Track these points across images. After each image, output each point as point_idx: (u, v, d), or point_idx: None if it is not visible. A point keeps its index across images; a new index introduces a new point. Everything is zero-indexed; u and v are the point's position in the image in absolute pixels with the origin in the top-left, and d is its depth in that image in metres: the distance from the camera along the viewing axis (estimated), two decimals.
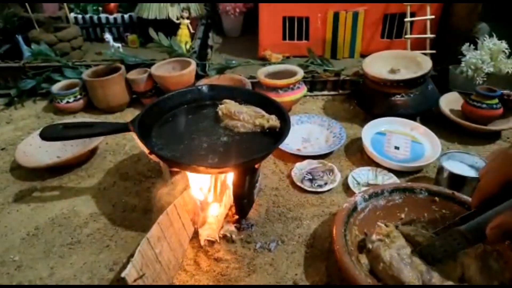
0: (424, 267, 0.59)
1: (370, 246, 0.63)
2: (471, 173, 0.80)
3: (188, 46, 1.37)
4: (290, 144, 0.99)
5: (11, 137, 1.11)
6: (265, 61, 1.40)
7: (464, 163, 0.82)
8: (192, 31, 1.54)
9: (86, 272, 0.68)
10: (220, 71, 1.27)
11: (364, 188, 0.84)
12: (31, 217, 0.81)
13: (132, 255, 0.55)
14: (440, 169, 0.81)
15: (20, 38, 1.46)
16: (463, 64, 1.15)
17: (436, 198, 0.71)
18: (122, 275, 0.53)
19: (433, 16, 1.30)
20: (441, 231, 0.61)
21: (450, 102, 1.11)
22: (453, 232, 0.57)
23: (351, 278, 0.57)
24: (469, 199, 0.68)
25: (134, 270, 0.55)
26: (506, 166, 0.46)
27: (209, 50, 1.48)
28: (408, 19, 1.31)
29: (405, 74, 1.06)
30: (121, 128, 0.71)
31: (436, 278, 0.58)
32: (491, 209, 0.51)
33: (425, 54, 1.21)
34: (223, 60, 1.38)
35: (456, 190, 0.71)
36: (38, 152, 0.96)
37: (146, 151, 0.69)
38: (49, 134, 0.71)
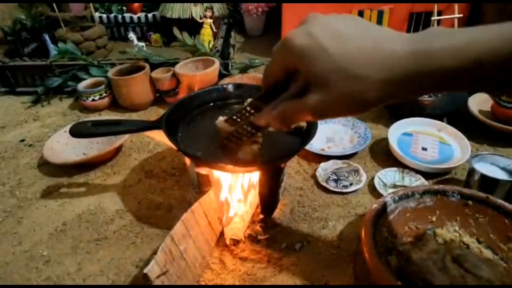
0: (457, 271, 0.57)
1: (400, 248, 0.62)
2: (503, 175, 0.77)
3: (211, 45, 1.37)
4: (314, 144, 0.98)
5: (38, 133, 1.13)
6: None
7: (496, 165, 0.80)
8: (215, 30, 1.55)
9: (112, 268, 0.69)
10: (243, 70, 1.27)
11: (390, 190, 0.83)
12: (59, 212, 0.83)
13: (156, 252, 0.55)
14: (471, 171, 0.79)
15: (47, 37, 1.49)
16: None
17: (470, 202, 0.68)
18: (145, 271, 0.53)
19: (461, 15, 1.27)
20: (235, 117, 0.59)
21: (478, 103, 1.08)
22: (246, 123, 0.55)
23: (381, 280, 0.56)
24: (504, 203, 0.66)
25: (157, 266, 0.55)
26: (286, 55, 0.41)
27: (231, 49, 1.49)
28: (435, 17, 1.28)
29: None
30: (149, 126, 0.71)
31: (469, 283, 0.56)
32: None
33: None
34: (245, 59, 1.38)
35: (488, 193, 0.69)
36: (65, 149, 0.98)
37: (175, 148, 0.69)
38: (78, 131, 0.71)
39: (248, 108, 0.54)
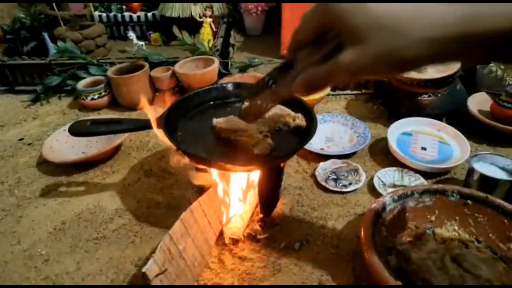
0: (456, 271, 0.57)
1: (400, 248, 0.62)
2: (503, 175, 0.77)
3: (210, 44, 1.37)
4: (313, 143, 0.98)
5: (37, 132, 1.13)
6: None
7: (495, 165, 0.80)
8: (214, 29, 1.54)
9: (112, 267, 0.69)
10: (243, 69, 1.27)
11: (390, 189, 0.83)
12: (58, 211, 0.82)
13: (154, 251, 0.55)
14: (470, 171, 0.79)
15: (46, 35, 1.49)
16: (491, 63, 1.12)
17: (469, 201, 0.68)
18: (143, 270, 0.53)
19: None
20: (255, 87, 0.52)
21: (478, 102, 1.08)
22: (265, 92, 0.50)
23: (380, 280, 0.56)
24: (503, 203, 0.66)
25: (155, 265, 0.55)
26: (322, 9, 0.39)
27: (231, 49, 1.48)
28: None
29: (433, 73, 1.04)
30: (148, 125, 0.71)
31: (469, 282, 0.56)
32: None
33: None
34: (245, 58, 1.38)
35: (488, 193, 0.69)
36: (64, 147, 0.98)
37: (173, 147, 0.69)
38: (78, 130, 0.71)
39: (266, 79, 0.50)
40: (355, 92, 1.28)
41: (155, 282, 0.55)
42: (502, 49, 0.35)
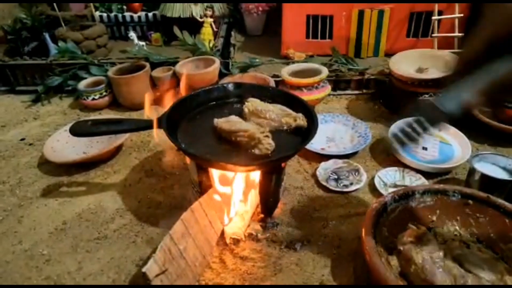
0: (458, 271, 0.57)
1: (401, 248, 0.62)
2: (504, 175, 0.77)
3: (211, 45, 1.37)
4: (314, 143, 0.97)
5: (38, 132, 1.13)
6: (288, 59, 1.39)
7: (496, 165, 0.80)
8: (215, 29, 1.54)
9: (113, 267, 0.69)
10: (243, 69, 1.27)
11: (391, 189, 0.83)
12: (59, 211, 0.82)
13: (155, 251, 0.55)
14: (472, 171, 0.78)
15: (47, 35, 1.49)
16: None
17: (470, 201, 0.68)
18: (143, 270, 0.53)
19: (461, 15, 1.27)
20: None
21: None
22: (426, 105, 0.48)
23: (381, 280, 0.55)
24: (505, 203, 0.66)
25: (155, 265, 0.55)
26: (501, 19, 0.37)
27: (231, 49, 1.48)
28: (435, 17, 1.28)
29: (434, 73, 1.03)
30: (149, 125, 0.71)
31: (470, 282, 0.56)
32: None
33: (454, 53, 1.18)
34: (246, 58, 1.38)
35: (489, 193, 0.69)
36: (65, 148, 0.98)
37: (174, 147, 0.69)
38: (79, 130, 0.71)
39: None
40: (356, 92, 1.28)
41: (156, 282, 0.55)
42: None
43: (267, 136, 0.67)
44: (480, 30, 0.39)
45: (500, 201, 0.66)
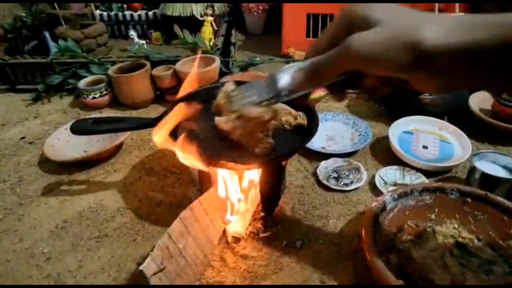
0: (457, 269, 0.58)
1: (400, 246, 0.62)
2: (504, 174, 0.77)
3: (211, 43, 1.37)
4: (314, 142, 0.98)
5: (38, 131, 1.13)
6: (288, 58, 1.39)
7: (497, 163, 0.80)
8: (215, 28, 1.54)
9: (113, 266, 0.69)
10: (244, 68, 1.27)
11: (391, 188, 0.83)
12: (59, 210, 0.83)
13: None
14: (472, 170, 0.79)
15: (47, 34, 1.49)
16: None
17: (468, 199, 0.68)
18: (140, 268, 0.53)
19: (462, 13, 1.26)
20: None
21: (479, 101, 1.08)
22: (268, 76, 0.46)
23: (381, 279, 0.56)
24: (503, 200, 0.67)
25: (153, 263, 0.55)
26: (346, 10, 0.38)
27: (232, 47, 1.48)
28: None
29: None
30: (150, 123, 0.71)
31: (470, 280, 0.56)
32: None
33: None
34: (246, 57, 1.38)
35: (489, 191, 0.69)
36: (66, 146, 0.98)
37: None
38: (79, 128, 0.71)
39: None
40: (356, 91, 1.28)
41: (154, 280, 0.55)
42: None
43: (267, 135, 0.67)
44: (331, 24, 0.40)
45: (499, 199, 0.67)
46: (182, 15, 1.54)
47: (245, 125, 0.57)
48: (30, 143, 1.07)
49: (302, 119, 0.72)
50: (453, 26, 0.33)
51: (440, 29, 0.33)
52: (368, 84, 0.43)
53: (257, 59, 1.30)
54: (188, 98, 0.80)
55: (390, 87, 0.44)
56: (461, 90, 0.37)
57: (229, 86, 0.55)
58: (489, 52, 0.32)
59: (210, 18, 1.52)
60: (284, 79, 0.43)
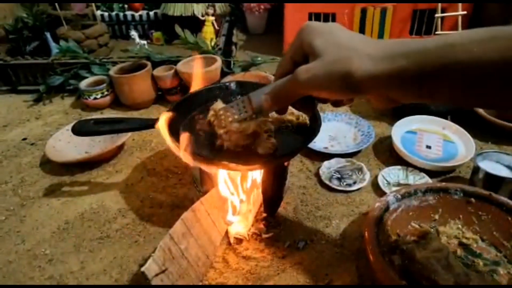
0: (461, 269, 0.57)
1: (404, 247, 0.61)
2: (508, 173, 0.77)
3: (213, 43, 1.37)
4: (317, 142, 0.97)
5: (40, 132, 1.13)
6: None
7: (501, 163, 0.79)
8: (217, 28, 1.54)
9: (115, 267, 0.69)
10: (245, 68, 1.27)
11: (394, 188, 0.82)
12: (61, 211, 0.82)
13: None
14: (476, 169, 0.78)
15: (48, 35, 1.49)
16: None
17: (472, 199, 0.68)
18: (142, 269, 0.53)
19: (465, 12, 1.26)
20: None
21: None
22: (244, 97, 0.54)
23: (385, 279, 0.55)
24: (507, 200, 0.66)
25: (154, 265, 0.55)
26: (298, 36, 0.45)
27: (233, 47, 1.48)
28: (439, 14, 1.28)
29: None
30: (152, 124, 0.71)
31: (474, 281, 0.56)
32: None
33: None
34: (248, 57, 1.38)
35: (493, 191, 0.68)
36: (67, 147, 0.98)
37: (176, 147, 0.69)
38: (81, 129, 0.71)
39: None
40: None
41: (156, 281, 0.54)
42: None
43: (269, 135, 0.67)
44: (290, 46, 0.46)
45: (503, 198, 0.66)
46: (183, 15, 1.54)
47: (232, 138, 0.62)
48: (32, 144, 1.07)
49: (304, 119, 0.72)
50: (380, 54, 0.39)
51: (367, 61, 0.39)
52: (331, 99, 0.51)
53: (259, 59, 1.30)
54: (188, 99, 0.80)
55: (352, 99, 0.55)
56: (408, 103, 0.42)
57: (218, 104, 0.63)
58: (410, 75, 0.37)
59: (212, 18, 1.51)
60: (257, 101, 0.51)
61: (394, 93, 0.40)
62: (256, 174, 0.74)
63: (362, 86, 0.39)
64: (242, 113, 0.55)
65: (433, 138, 0.96)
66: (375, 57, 0.39)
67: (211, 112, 0.62)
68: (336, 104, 0.53)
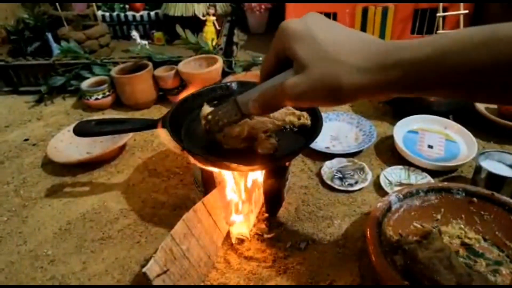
0: (464, 269, 0.57)
1: (406, 247, 0.61)
2: (510, 173, 0.76)
3: (214, 43, 1.37)
4: (318, 142, 0.97)
5: (41, 133, 1.13)
6: None
7: (503, 163, 0.79)
8: (218, 28, 1.54)
9: (117, 268, 0.69)
10: (247, 67, 1.26)
11: (396, 188, 0.82)
12: (63, 212, 0.82)
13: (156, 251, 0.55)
14: (478, 169, 0.78)
15: (49, 35, 1.49)
16: None
17: (474, 199, 0.68)
18: (144, 270, 0.53)
19: (466, 11, 1.26)
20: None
21: None
22: (231, 101, 0.54)
23: (387, 280, 0.55)
24: (510, 200, 0.66)
25: (156, 265, 0.55)
26: (278, 38, 0.44)
27: (234, 47, 1.48)
28: (440, 14, 1.27)
29: None
30: (153, 124, 0.71)
31: (476, 281, 0.56)
32: None
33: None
34: (249, 56, 1.38)
35: (495, 191, 0.68)
36: (69, 148, 0.98)
37: (178, 147, 0.69)
38: (82, 130, 0.71)
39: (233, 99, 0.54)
40: None
41: (157, 282, 0.54)
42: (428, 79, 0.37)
43: (270, 135, 0.67)
44: (272, 44, 0.46)
45: (505, 198, 0.66)
46: (184, 15, 1.54)
47: (229, 142, 0.63)
48: (33, 145, 1.07)
49: (305, 119, 0.72)
50: (369, 66, 0.39)
51: (356, 74, 0.39)
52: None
53: (260, 58, 1.29)
54: (191, 99, 0.80)
55: None
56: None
57: (205, 109, 0.63)
58: (401, 85, 0.38)
59: (212, 18, 1.51)
60: (245, 107, 0.51)
61: (384, 96, 0.42)
62: (258, 174, 0.73)
63: (351, 97, 0.41)
64: (232, 116, 0.55)
65: (435, 137, 0.96)
66: (365, 69, 0.39)
67: (202, 119, 0.62)
68: None
